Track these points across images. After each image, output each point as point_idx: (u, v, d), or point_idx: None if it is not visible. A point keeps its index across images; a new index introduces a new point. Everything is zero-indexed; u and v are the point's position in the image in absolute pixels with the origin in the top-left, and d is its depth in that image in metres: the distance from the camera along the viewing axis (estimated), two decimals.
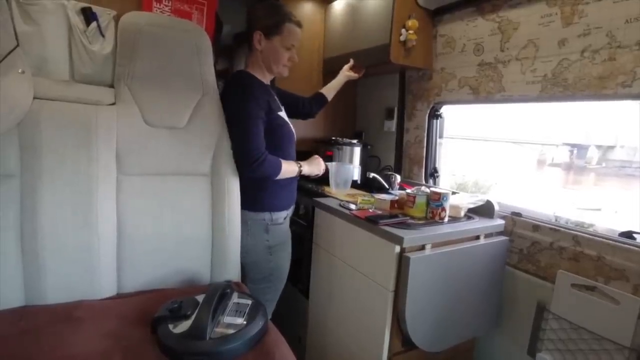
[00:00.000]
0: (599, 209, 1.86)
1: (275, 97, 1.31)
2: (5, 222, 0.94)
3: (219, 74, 1.32)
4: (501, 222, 1.35)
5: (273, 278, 1.30)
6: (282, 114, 1.30)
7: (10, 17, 0.98)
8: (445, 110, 1.72)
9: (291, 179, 1.29)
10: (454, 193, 1.42)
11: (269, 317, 1.30)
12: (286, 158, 1.25)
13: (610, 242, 1.11)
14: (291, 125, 1.33)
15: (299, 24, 1.26)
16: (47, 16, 1.03)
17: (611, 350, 1.06)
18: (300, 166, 1.29)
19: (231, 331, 0.85)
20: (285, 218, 1.33)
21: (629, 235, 1.12)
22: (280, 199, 1.29)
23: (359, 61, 1.73)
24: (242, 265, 1.25)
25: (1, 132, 0.93)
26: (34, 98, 0.99)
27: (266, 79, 1.31)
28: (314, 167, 1.35)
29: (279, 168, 1.19)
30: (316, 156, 1.39)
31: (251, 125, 1.15)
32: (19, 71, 0.96)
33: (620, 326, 1.05)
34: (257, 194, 1.24)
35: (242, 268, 1.25)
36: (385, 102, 1.93)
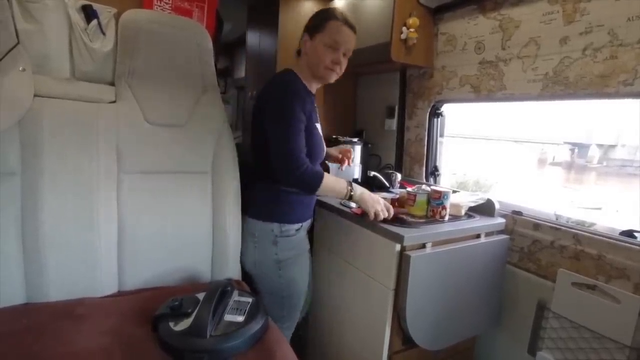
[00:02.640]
0: (600, 208, 1.86)
1: (316, 108, 1.23)
2: (6, 220, 0.94)
3: (220, 72, 1.32)
4: (502, 220, 1.35)
5: (286, 294, 1.22)
6: (319, 127, 1.21)
7: (11, 15, 0.98)
8: (446, 108, 1.72)
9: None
10: (454, 192, 1.42)
11: (289, 337, 1.26)
12: None
13: (611, 240, 1.10)
14: (323, 142, 1.23)
15: (346, 23, 1.12)
16: (48, 14, 1.03)
17: (612, 349, 1.06)
18: (351, 189, 1.11)
19: (232, 329, 0.86)
20: (297, 230, 1.21)
21: (629, 234, 1.12)
22: (294, 209, 1.19)
23: (360, 59, 1.73)
24: (253, 277, 1.23)
25: (2, 130, 0.93)
26: (35, 96, 1.00)
27: (312, 86, 1.21)
28: (372, 198, 1.14)
29: (318, 181, 1.06)
30: (378, 198, 1.17)
31: (292, 125, 1.06)
32: (20, 69, 0.96)
33: (621, 325, 1.04)
34: (266, 203, 1.18)
35: (253, 280, 1.22)
36: (386, 100, 1.93)
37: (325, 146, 1.26)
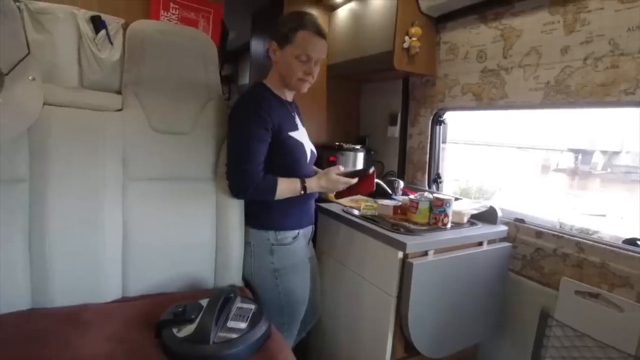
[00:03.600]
0: (604, 215, 1.85)
1: (294, 114, 1.22)
2: (13, 226, 0.96)
3: (224, 79, 1.32)
4: (504, 228, 1.35)
5: (284, 303, 1.19)
6: (296, 133, 1.17)
7: (22, 26, 1.00)
8: (449, 115, 1.73)
9: (302, 195, 1.16)
10: (457, 199, 1.42)
11: (291, 345, 1.26)
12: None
13: (614, 249, 1.10)
14: (306, 145, 1.21)
15: (318, 32, 1.10)
16: (58, 24, 1.06)
17: (616, 359, 1.05)
18: (304, 183, 1.14)
19: (234, 335, 0.86)
20: (294, 238, 1.19)
21: (633, 242, 1.11)
22: (289, 216, 1.18)
23: (363, 68, 1.74)
24: (251, 285, 1.22)
25: (12, 138, 0.95)
26: (44, 104, 1.02)
27: (285, 94, 1.20)
28: (330, 184, 1.16)
29: (272, 190, 1.09)
30: (330, 170, 1.18)
31: (247, 146, 1.07)
32: (30, 78, 0.98)
33: (625, 334, 1.04)
34: (261, 210, 1.17)
35: (251, 289, 1.20)
36: (389, 108, 1.94)
37: (312, 150, 1.24)
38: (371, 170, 1.22)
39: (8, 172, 0.96)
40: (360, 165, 1.86)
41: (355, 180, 1.19)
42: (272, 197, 1.10)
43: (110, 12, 1.16)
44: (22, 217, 0.97)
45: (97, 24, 1.11)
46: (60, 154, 1.01)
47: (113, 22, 1.15)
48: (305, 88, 1.17)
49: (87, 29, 1.10)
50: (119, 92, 1.15)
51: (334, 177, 1.17)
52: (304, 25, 1.08)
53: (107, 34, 1.13)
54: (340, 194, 1.23)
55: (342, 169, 1.21)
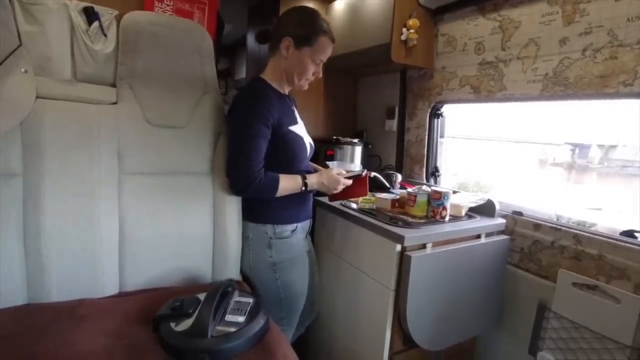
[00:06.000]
0: (600, 209, 1.86)
1: (293, 108, 1.23)
2: (8, 221, 0.95)
3: (220, 73, 1.31)
4: (502, 221, 1.35)
5: (283, 296, 1.20)
6: (296, 127, 1.18)
7: (13, 17, 0.98)
8: (447, 109, 1.72)
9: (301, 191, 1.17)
10: (455, 192, 1.42)
11: (290, 340, 1.27)
12: (295, 173, 1.16)
13: (611, 241, 1.10)
14: (306, 139, 1.22)
15: (333, 39, 1.15)
16: (50, 16, 1.04)
17: (612, 349, 1.06)
18: (305, 179, 1.15)
19: (232, 329, 0.86)
20: (293, 231, 1.20)
21: (629, 234, 1.12)
22: (287, 209, 1.18)
23: (360, 61, 1.73)
24: (250, 279, 1.21)
25: (5, 132, 0.93)
26: (37, 97, 1.00)
27: (283, 87, 1.21)
28: (330, 183, 1.17)
29: (274, 188, 1.09)
30: (330, 170, 1.21)
31: (249, 143, 1.07)
32: (22, 70, 0.96)
33: (622, 325, 1.05)
34: (259, 204, 1.17)
35: (250, 283, 1.20)
36: (386, 101, 1.93)
37: (310, 144, 1.26)
38: (364, 172, 1.22)
39: (1, 167, 0.94)
40: (357, 159, 1.85)
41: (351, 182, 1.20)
42: (274, 195, 1.10)
43: (103, 3, 1.13)
44: (16, 212, 0.96)
45: (90, 15, 1.09)
46: (54, 148, 0.99)
47: (106, 14, 1.12)
48: (307, 86, 1.21)
49: (79, 20, 1.08)
50: (113, 85, 1.13)
51: (335, 177, 1.18)
52: (325, 31, 1.13)
53: (100, 25, 1.10)
54: (334, 197, 1.24)
55: (343, 172, 1.22)
